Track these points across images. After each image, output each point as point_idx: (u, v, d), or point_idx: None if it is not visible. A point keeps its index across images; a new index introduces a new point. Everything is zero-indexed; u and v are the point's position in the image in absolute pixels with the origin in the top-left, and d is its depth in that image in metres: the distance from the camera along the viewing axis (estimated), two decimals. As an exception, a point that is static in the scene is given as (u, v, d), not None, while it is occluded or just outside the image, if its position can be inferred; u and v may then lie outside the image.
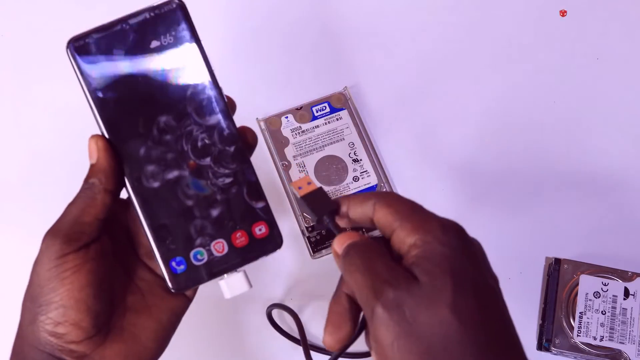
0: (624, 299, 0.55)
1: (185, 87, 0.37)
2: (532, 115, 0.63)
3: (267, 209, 0.38)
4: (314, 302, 0.57)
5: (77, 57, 0.36)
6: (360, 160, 0.60)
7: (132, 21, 0.36)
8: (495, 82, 0.64)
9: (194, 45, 0.37)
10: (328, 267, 0.58)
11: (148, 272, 0.39)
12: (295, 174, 0.59)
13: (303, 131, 0.60)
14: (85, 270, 0.35)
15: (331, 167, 0.59)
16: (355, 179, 0.59)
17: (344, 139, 0.60)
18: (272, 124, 0.61)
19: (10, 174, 0.61)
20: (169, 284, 0.37)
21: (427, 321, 0.30)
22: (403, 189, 0.60)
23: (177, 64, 0.36)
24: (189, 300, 0.39)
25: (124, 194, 0.38)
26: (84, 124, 0.62)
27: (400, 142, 0.62)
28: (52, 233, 0.35)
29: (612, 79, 0.64)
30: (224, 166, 0.37)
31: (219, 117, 0.37)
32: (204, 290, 0.39)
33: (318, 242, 0.58)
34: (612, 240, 0.59)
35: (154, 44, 0.36)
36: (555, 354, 0.55)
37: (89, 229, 0.36)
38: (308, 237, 0.58)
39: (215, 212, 0.37)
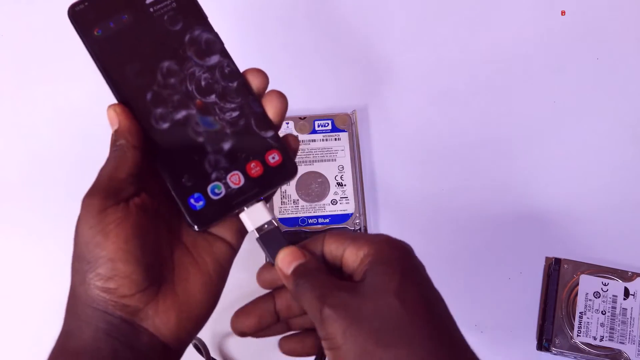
0: (624, 299, 0.55)
1: (182, 33, 0.38)
2: (530, 117, 0.63)
3: (277, 137, 0.39)
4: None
5: (77, 21, 0.38)
6: (345, 185, 0.59)
7: None
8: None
9: None
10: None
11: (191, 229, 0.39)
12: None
13: (299, 141, 0.60)
14: (128, 223, 0.35)
15: (314, 183, 0.59)
16: (334, 202, 0.58)
17: (335, 159, 0.60)
18: (272, 124, 0.61)
19: (10, 174, 0.61)
20: (189, 221, 0.37)
21: (374, 308, 0.33)
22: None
23: (173, 14, 0.39)
24: (232, 249, 0.39)
25: None
26: (84, 124, 0.63)
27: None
28: (90, 193, 0.35)
29: (611, 78, 0.64)
30: (229, 101, 0.38)
31: (218, 57, 0.39)
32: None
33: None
34: (612, 240, 0.59)
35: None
36: (555, 354, 0.55)
37: (125, 185, 0.36)
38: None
39: (227, 146, 0.38)
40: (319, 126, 0.61)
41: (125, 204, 0.35)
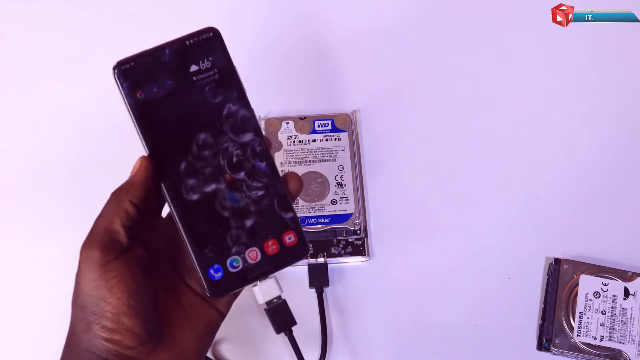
0: (624, 299, 0.55)
1: (221, 107, 0.39)
2: (530, 117, 0.63)
3: (295, 220, 0.40)
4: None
5: (122, 80, 0.38)
6: (345, 185, 0.59)
7: (174, 47, 0.39)
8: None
9: (229, 69, 0.40)
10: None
11: (188, 290, 0.41)
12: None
13: (299, 141, 0.60)
14: (129, 278, 0.36)
15: (314, 183, 0.59)
16: (334, 202, 0.58)
17: (335, 159, 0.60)
18: (271, 125, 0.61)
19: (10, 174, 0.61)
20: (207, 291, 0.39)
21: None
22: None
23: (214, 85, 0.39)
24: (222, 317, 0.41)
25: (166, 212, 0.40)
26: (84, 124, 0.63)
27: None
28: (88, 244, 0.37)
29: (610, 79, 0.64)
30: (256, 180, 0.40)
31: (252, 135, 0.40)
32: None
33: None
34: (612, 240, 0.58)
35: (193, 68, 0.39)
36: (555, 354, 0.55)
37: (120, 237, 0.37)
38: None
39: (249, 223, 0.39)
40: (319, 126, 0.61)
41: (125, 258, 0.37)
